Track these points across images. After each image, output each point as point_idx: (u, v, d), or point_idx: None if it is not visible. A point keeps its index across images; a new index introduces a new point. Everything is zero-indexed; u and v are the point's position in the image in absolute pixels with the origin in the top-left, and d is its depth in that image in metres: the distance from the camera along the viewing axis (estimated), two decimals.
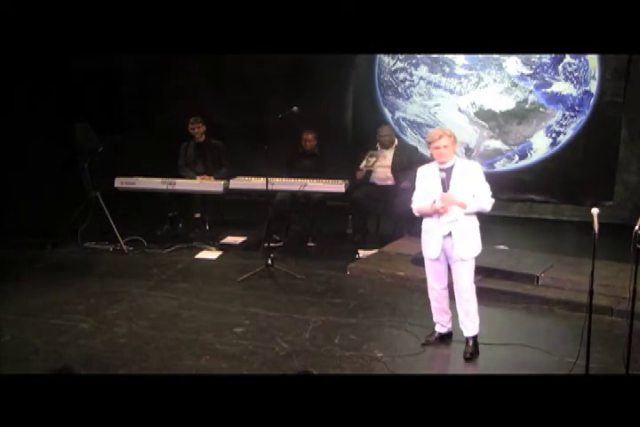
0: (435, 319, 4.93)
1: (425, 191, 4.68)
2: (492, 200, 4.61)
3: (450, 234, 4.60)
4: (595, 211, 4.01)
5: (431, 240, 4.68)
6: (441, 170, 4.60)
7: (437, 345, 4.85)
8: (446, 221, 4.59)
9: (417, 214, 4.77)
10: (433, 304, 4.89)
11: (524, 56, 8.08)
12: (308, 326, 5.15)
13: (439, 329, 4.93)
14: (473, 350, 4.71)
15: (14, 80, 7.28)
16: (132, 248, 6.95)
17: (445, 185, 4.60)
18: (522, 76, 8.20)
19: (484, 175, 4.62)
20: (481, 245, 4.69)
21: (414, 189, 6.90)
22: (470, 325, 4.72)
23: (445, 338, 4.92)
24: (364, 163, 7.15)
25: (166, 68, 8.81)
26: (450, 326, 4.91)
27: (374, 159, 7.13)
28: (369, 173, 7.14)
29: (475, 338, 4.74)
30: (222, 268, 6.52)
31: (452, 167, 4.59)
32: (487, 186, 4.61)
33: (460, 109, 8.49)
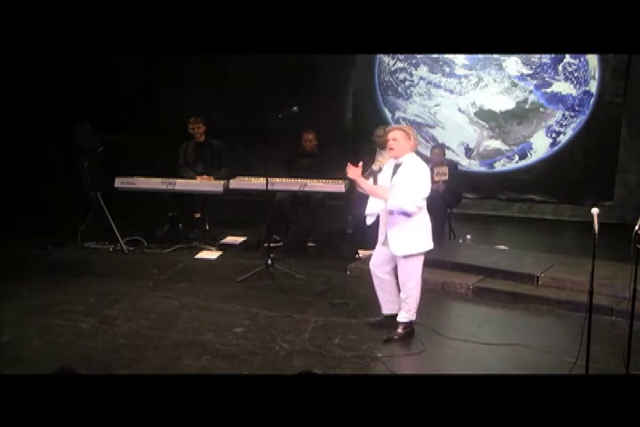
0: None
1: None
2: (417, 203, 4.64)
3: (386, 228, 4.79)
4: (595, 211, 4.01)
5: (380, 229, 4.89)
6: (395, 165, 4.78)
7: (436, 345, 4.85)
8: (367, 212, 4.86)
9: None
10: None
11: (524, 56, 8.09)
12: (308, 326, 5.14)
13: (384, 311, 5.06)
14: (398, 334, 4.87)
15: (14, 80, 7.28)
16: (132, 248, 6.95)
17: (376, 178, 4.82)
18: (522, 76, 8.21)
19: (427, 181, 4.70)
20: (422, 244, 4.77)
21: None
22: (404, 312, 4.89)
23: (393, 321, 4.99)
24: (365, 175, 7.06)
25: (166, 69, 8.82)
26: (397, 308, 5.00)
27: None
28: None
29: (404, 324, 4.88)
30: (222, 268, 6.52)
31: (400, 164, 4.74)
32: (418, 190, 4.64)
33: (459, 109, 8.49)
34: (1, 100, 7.13)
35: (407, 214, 4.67)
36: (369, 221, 4.87)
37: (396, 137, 4.71)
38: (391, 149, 4.74)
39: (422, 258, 4.84)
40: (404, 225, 4.70)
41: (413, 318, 4.92)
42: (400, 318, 4.91)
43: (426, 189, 4.70)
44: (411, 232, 4.71)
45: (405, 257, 4.75)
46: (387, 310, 5.05)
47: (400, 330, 4.89)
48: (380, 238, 4.87)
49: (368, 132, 7.92)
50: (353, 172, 4.78)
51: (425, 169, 4.73)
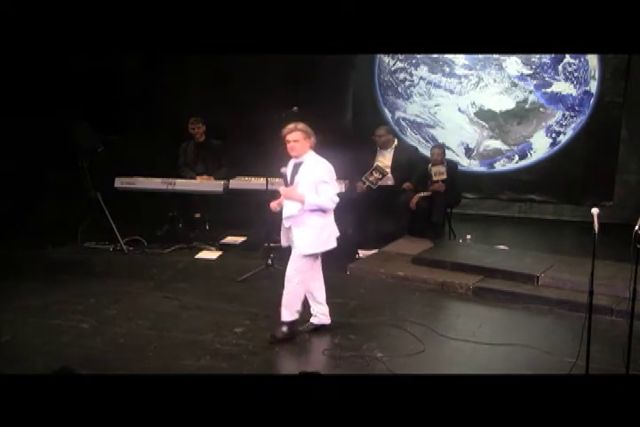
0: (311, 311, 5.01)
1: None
2: (333, 198, 4.71)
3: (290, 227, 4.79)
4: (595, 211, 4.01)
5: (283, 229, 4.88)
6: (295, 164, 4.80)
7: (436, 345, 4.85)
8: (285, 216, 4.80)
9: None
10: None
11: (524, 56, 8.08)
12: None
13: (313, 320, 5.01)
14: (281, 334, 4.80)
15: (14, 80, 7.27)
16: (131, 248, 6.95)
17: (287, 179, 4.83)
18: (522, 76, 8.21)
19: (332, 176, 4.75)
20: (320, 244, 4.77)
21: (414, 188, 6.89)
22: (283, 310, 4.84)
23: (319, 329, 4.98)
24: (365, 175, 7.07)
25: (166, 68, 8.80)
26: (323, 317, 4.99)
27: (379, 176, 7.02)
28: (369, 188, 7.07)
29: (286, 324, 4.82)
30: (222, 268, 6.52)
31: (301, 163, 4.77)
32: (331, 186, 4.72)
33: (459, 109, 8.49)
34: (1, 99, 7.13)
35: (323, 211, 4.73)
36: (286, 224, 4.83)
37: (296, 138, 4.75)
38: (293, 149, 4.77)
39: (319, 258, 4.88)
40: (310, 224, 4.73)
41: (295, 317, 4.85)
42: (283, 318, 4.85)
43: (335, 184, 4.78)
44: (316, 231, 4.75)
45: (306, 255, 4.77)
46: (316, 321, 5.01)
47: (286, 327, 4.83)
48: (284, 242, 4.91)
49: (368, 132, 7.92)
50: (275, 205, 4.88)
51: (327, 165, 4.77)
